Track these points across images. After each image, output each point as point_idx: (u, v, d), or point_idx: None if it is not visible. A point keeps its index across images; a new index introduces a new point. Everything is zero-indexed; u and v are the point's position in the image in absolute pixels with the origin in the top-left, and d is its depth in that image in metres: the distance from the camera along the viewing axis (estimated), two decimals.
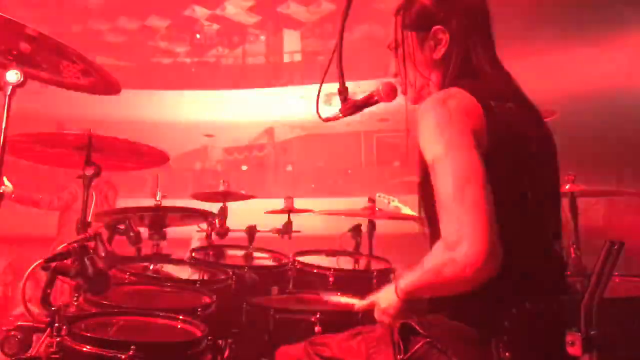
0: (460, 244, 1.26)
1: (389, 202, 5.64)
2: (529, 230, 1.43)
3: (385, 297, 1.54)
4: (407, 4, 1.61)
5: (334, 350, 1.61)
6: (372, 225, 3.47)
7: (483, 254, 1.24)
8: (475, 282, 1.27)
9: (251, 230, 3.35)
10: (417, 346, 1.43)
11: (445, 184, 1.32)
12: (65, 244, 1.54)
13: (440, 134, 1.36)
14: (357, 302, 1.72)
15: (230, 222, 3.22)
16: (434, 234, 1.43)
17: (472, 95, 1.42)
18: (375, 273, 2.75)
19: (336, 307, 1.97)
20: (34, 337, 1.59)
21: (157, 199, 2.78)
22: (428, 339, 1.41)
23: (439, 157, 1.35)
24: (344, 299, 1.84)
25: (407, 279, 1.46)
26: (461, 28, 1.54)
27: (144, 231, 2.52)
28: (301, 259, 2.83)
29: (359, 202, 3.67)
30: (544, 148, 1.52)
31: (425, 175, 1.43)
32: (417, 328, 1.44)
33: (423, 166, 1.44)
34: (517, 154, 1.44)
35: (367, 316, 2.16)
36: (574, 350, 1.17)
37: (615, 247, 1.14)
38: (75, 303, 1.79)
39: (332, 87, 1.74)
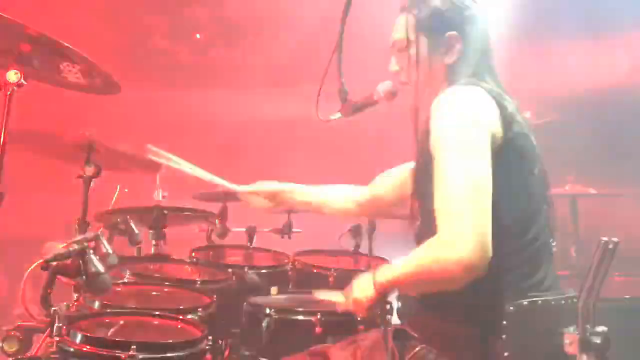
0: (459, 244, 1.26)
1: None
2: (526, 228, 1.43)
3: (361, 288, 1.50)
4: (418, 3, 1.61)
5: None
6: (372, 225, 3.46)
7: (477, 255, 1.25)
8: (462, 281, 1.28)
9: (251, 231, 3.35)
10: (412, 352, 1.42)
11: (453, 185, 1.32)
12: (65, 244, 1.54)
13: (459, 135, 1.36)
14: (340, 300, 1.64)
15: (230, 222, 3.21)
16: (425, 223, 1.42)
17: (489, 94, 1.44)
18: None
19: (329, 307, 1.94)
20: (34, 337, 1.59)
21: (158, 198, 2.78)
22: (423, 345, 1.41)
23: (452, 157, 1.35)
24: (334, 296, 1.73)
25: (388, 273, 1.44)
26: (474, 36, 1.58)
27: (144, 231, 2.53)
28: (301, 258, 2.83)
29: None
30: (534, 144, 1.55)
31: (424, 164, 1.43)
32: (412, 333, 1.43)
33: (422, 154, 1.44)
34: (524, 150, 1.47)
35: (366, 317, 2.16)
36: (571, 349, 1.17)
37: (611, 245, 1.14)
38: (75, 303, 1.79)
39: (332, 87, 1.74)
